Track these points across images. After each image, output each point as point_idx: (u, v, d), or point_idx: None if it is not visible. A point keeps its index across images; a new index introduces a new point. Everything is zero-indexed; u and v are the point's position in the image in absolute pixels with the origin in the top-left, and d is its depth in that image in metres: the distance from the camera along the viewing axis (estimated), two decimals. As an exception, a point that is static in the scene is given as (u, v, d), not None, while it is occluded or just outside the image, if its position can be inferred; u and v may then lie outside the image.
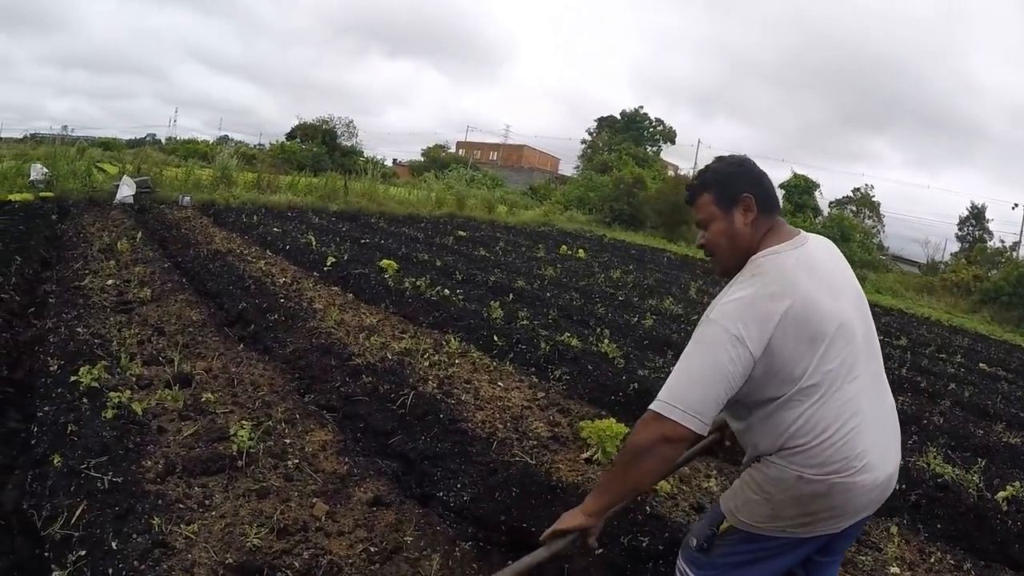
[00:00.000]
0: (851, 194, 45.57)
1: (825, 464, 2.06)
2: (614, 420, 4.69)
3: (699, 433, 2.03)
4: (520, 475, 3.98)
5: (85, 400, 4.13)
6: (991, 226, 44.19)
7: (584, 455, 4.49)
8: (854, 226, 33.62)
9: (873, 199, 45.13)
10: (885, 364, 6.71)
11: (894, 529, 4.12)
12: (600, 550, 3.29)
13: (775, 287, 2.09)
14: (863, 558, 3.78)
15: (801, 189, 33.32)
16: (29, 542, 3.01)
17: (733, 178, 2.31)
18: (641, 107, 57.48)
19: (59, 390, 4.33)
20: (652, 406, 2.07)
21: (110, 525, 2.98)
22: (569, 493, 3.84)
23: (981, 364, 11.53)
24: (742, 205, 2.27)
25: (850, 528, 2.23)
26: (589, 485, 3.97)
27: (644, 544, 3.39)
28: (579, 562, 3.27)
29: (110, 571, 2.73)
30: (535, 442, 4.58)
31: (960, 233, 45.41)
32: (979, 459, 5.34)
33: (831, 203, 42.93)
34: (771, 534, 2.18)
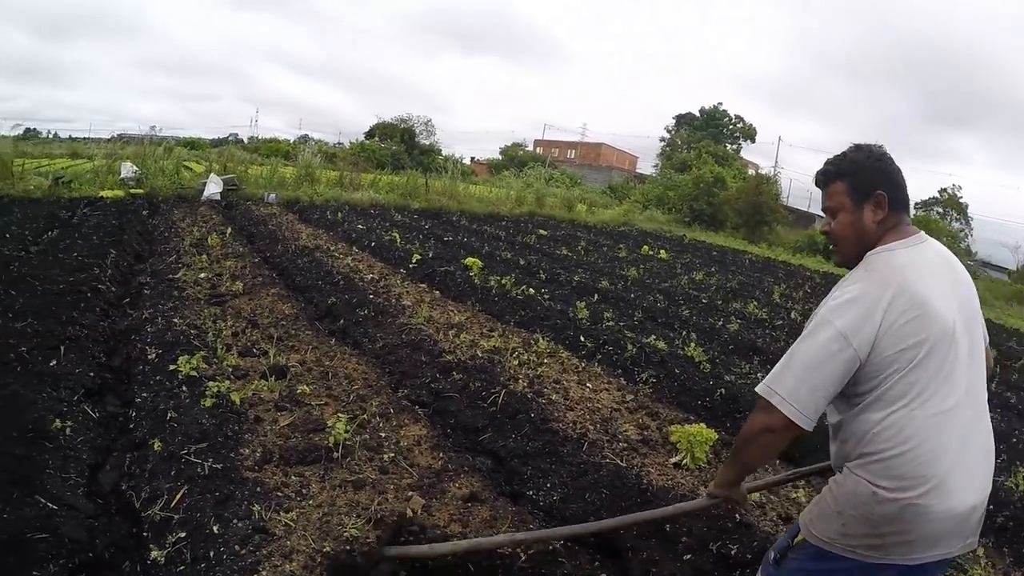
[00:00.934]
0: (937, 195, 44.18)
1: (901, 478, 2.00)
2: (704, 425, 4.60)
3: (801, 426, 2.03)
4: (610, 477, 3.94)
5: (184, 388, 4.20)
6: None
7: (673, 460, 4.40)
8: (941, 229, 32.42)
9: (961, 200, 43.72)
10: None
11: (981, 551, 3.89)
12: (688, 552, 3.33)
13: (883, 284, 2.06)
14: None
15: None
16: (127, 521, 3.07)
17: (870, 172, 2.25)
18: (720, 104, 56.32)
19: (157, 378, 4.42)
20: (758, 389, 2.12)
21: (210, 510, 3.00)
22: (659, 497, 3.80)
23: None
24: (874, 201, 2.21)
25: (929, 567, 2.11)
26: (679, 490, 3.93)
27: (732, 551, 3.34)
28: (666, 567, 3.24)
29: (211, 554, 2.76)
30: (625, 445, 4.49)
31: None
32: None
33: (916, 204, 41.56)
34: (840, 553, 2.11)
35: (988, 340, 2.36)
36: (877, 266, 2.14)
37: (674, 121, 56.54)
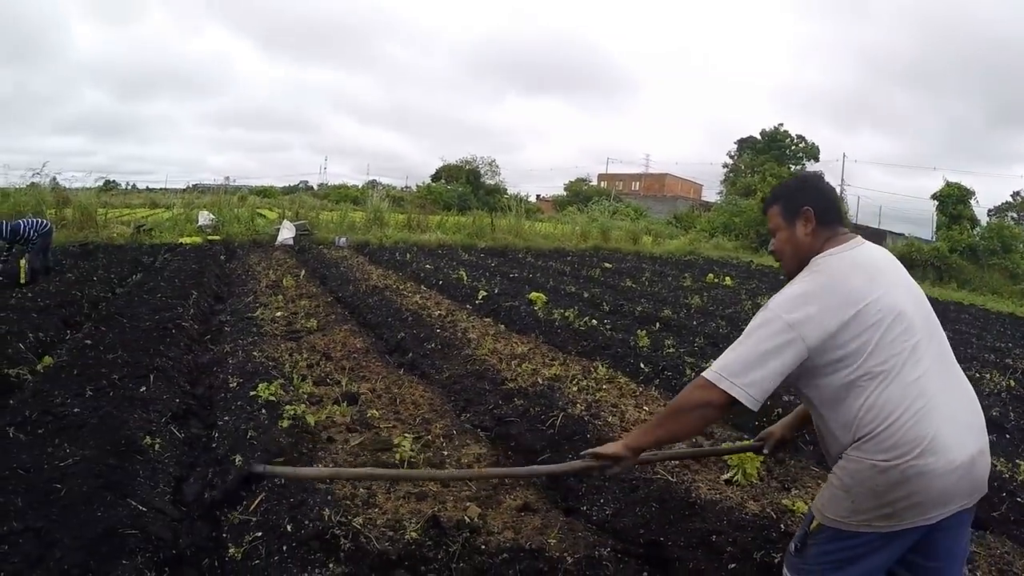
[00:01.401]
0: (1011, 199, 42.94)
1: (895, 448, 2.13)
2: (748, 439, 4.69)
3: (745, 404, 2.22)
4: (660, 492, 4.09)
5: (263, 411, 4.54)
6: None
7: (724, 476, 4.49)
8: (1015, 235, 31.23)
9: (1035, 203, 42.40)
10: None
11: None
12: (732, 561, 3.42)
13: (829, 281, 2.28)
14: None
15: (955, 199, 31.14)
16: (208, 525, 3.39)
17: (797, 193, 2.54)
18: (781, 125, 55.75)
19: (238, 403, 4.78)
20: (705, 374, 2.30)
21: (285, 513, 3.30)
22: (707, 510, 3.92)
23: None
24: (803, 217, 2.47)
25: (949, 523, 2.21)
26: (728, 503, 4.04)
27: (775, 560, 3.41)
28: None
29: (284, 548, 3.05)
30: (677, 463, 4.60)
31: None
32: None
33: (989, 211, 40.32)
34: (856, 529, 2.22)
35: None
36: (820, 267, 2.36)
37: (736, 146, 56.24)
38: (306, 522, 3.23)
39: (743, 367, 2.25)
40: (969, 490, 2.22)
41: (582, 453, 2.70)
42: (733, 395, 2.22)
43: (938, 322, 2.42)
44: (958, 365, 2.40)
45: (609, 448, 2.60)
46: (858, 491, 2.20)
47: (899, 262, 2.52)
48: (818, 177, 2.72)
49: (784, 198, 2.56)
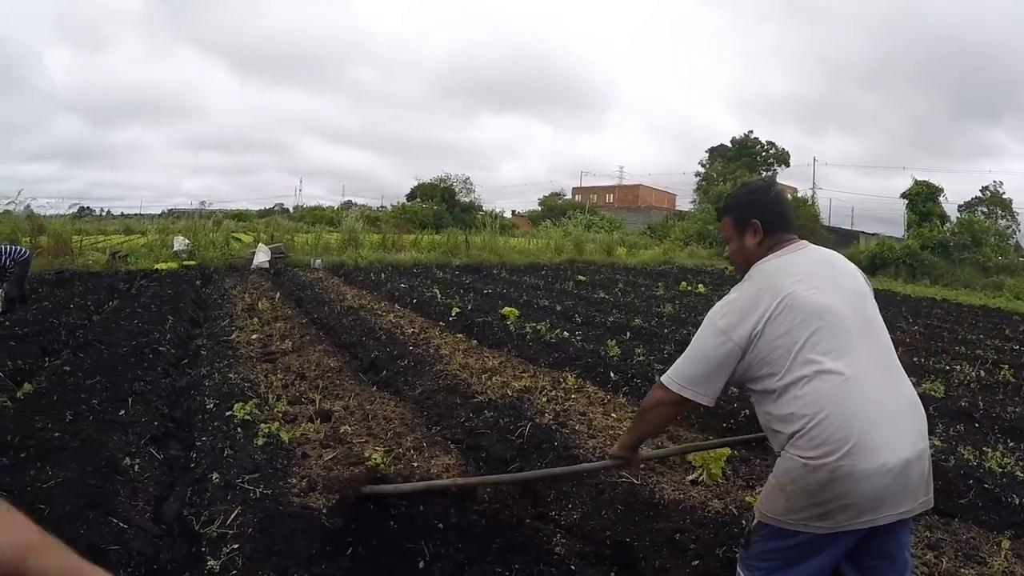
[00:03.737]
0: (980, 194, 43.29)
1: (823, 445, 2.19)
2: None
3: (696, 401, 2.46)
4: (625, 494, 4.24)
5: (239, 430, 4.69)
6: None
7: (690, 477, 4.62)
8: (985, 229, 31.67)
9: (1004, 196, 42.74)
10: (1019, 375, 6.82)
11: (1006, 543, 3.92)
12: (696, 558, 3.56)
13: (758, 288, 2.43)
14: (967, 572, 3.67)
15: (924, 196, 31.63)
16: (187, 541, 3.51)
17: (747, 206, 2.68)
18: (751, 132, 55.76)
19: (215, 423, 4.92)
20: (660, 377, 2.57)
21: (259, 524, 3.45)
22: (671, 510, 4.08)
23: None
24: (751, 229, 2.62)
25: (895, 526, 2.26)
26: (691, 502, 4.20)
27: (737, 556, 3.54)
28: (677, 573, 3.52)
29: (260, 560, 3.21)
30: (643, 466, 4.68)
31: None
32: None
33: (960, 207, 40.64)
34: (792, 528, 2.28)
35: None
36: (754, 275, 2.53)
37: (707, 155, 56.38)
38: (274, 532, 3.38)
39: (688, 370, 2.46)
40: (909, 497, 2.25)
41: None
42: (682, 395, 2.46)
43: (882, 324, 2.52)
44: (901, 368, 2.46)
45: (613, 450, 3.03)
46: (792, 489, 2.27)
47: (844, 264, 2.64)
48: (767, 187, 2.84)
49: (735, 210, 2.70)
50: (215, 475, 3.96)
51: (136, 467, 4.14)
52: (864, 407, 2.22)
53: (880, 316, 2.54)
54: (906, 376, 2.45)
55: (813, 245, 2.65)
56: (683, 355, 2.52)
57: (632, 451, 2.93)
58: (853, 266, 2.66)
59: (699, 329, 2.52)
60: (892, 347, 2.48)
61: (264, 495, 3.71)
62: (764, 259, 2.56)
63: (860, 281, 2.61)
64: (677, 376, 2.48)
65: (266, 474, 3.97)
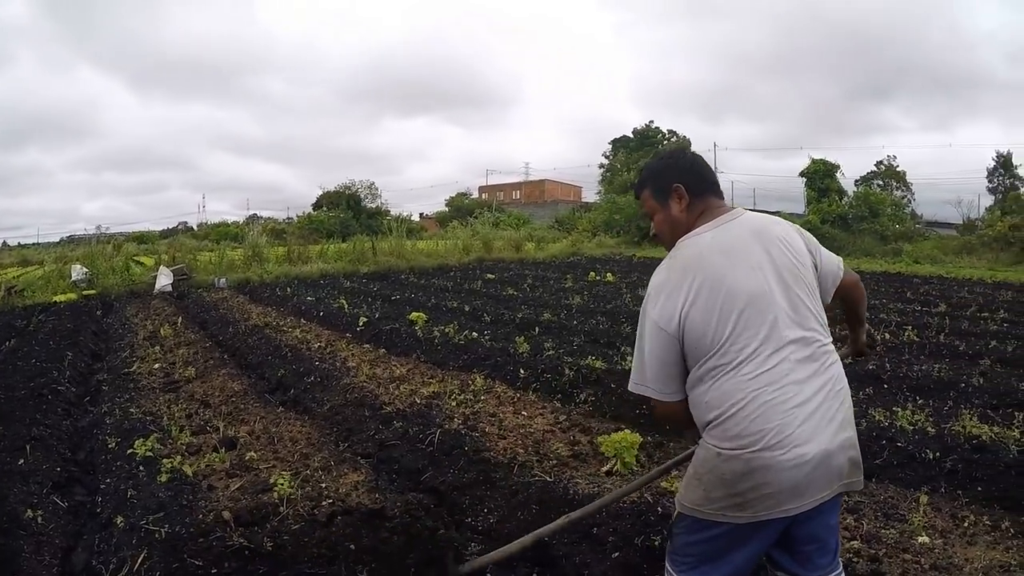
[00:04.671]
0: (875, 168, 45.06)
1: (738, 437, 2.13)
2: (629, 431, 4.84)
3: (668, 400, 2.33)
4: (539, 493, 4.26)
5: (142, 468, 4.59)
6: (1021, 171, 43.01)
7: (604, 468, 4.65)
8: (881, 200, 33.16)
9: (898, 169, 44.55)
10: (922, 335, 7.07)
11: (923, 498, 4.05)
12: (615, 550, 3.61)
13: (682, 269, 2.28)
14: (888, 532, 3.73)
15: (822, 174, 32.98)
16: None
17: (664, 172, 2.51)
18: (652, 122, 57.15)
19: (118, 463, 4.81)
20: (630, 387, 2.43)
21: (164, 568, 3.37)
22: (586, 504, 4.04)
23: None
24: (675, 195, 2.44)
25: (823, 509, 2.22)
26: (604, 494, 4.11)
27: (656, 543, 3.51)
28: (598, 567, 3.55)
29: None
30: (555, 462, 4.79)
31: (991, 185, 44.34)
32: (1020, 413, 5.33)
33: (856, 181, 42.19)
34: (712, 518, 2.22)
35: (843, 272, 2.56)
36: (678, 253, 2.36)
37: (610, 146, 57.08)
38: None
39: (650, 373, 2.32)
40: (827, 482, 2.20)
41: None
42: (664, 400, 2.33)
43: (815, 303, 2.35)
44: (830, 351, 2.33)
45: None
46: (708, 479, 2.20)
47: (780, 232, 2.41)
48: (683, 151, 2.74)
49: (653, 179, 2.53)
50: (119, 519, 3.88)
51: (39, 519, 4.00)
52: (783, 399, 2.13)
53: (816, 290, 2.39)
54: (836, 359, 2.34)
55: (748, 212, 2.48)
56: (637, 357, 2.39)
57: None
58: (791, 230, 2.47)
59: (639, 323, 2.39)
60: (824, 327, 2.34)
61: (169, 534, 3.64)
62: (694, 232, 2.39)
63: (795, 253, 2.38)
64: (647, 381, 2.35)
65: (171, 512, 3.89)
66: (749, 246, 2.31)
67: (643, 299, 2.39)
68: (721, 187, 2.55)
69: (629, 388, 2.42)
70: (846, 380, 2.35)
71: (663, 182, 2.49)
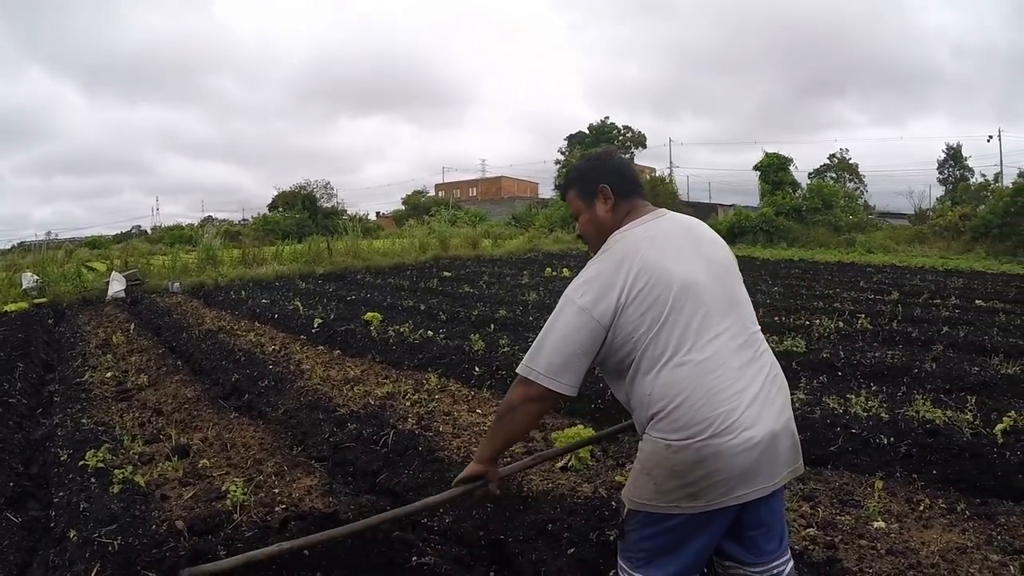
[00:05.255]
0: (828, 161, 45.95)
1: (687, 427, 2.14)
2: (582, 426, 4.93)
3: (563, 393, 2.29)
4: None
5: (93, 480, 4.56)
6: (970, 163, 44.71)
7: (559, 464, 4.65)
8: (834, 192, 33.96)
9: (850, 162, 45.51)
10: (875, 322, 7.27)
11: (879, 484, 4.09)
12: (570, 546, 3.64)
13: (618, 260, 2.28)
14: (844, 518, 3.79)
15: (775, 167, 33.60)
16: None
17: (590, 172, 2.56)
18: (607, 118, 57.68)
19: (70, 476, 4.77)
20: (519, 369, 2.37)
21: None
22: (540, 501, 4.15)
23: (977, 301, 11.67)
24: (601, 195, 2.48)
25: (764, 497, 2.25)
26: (560, 490, 4.24)
27: (612, 538, 3.47)
28: (554, 563, 3.57)
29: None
30: (509, 459, 4.68)
31: (941, 176, 46.00)
32: (972, 396, 5.51)
33: (810, 173, 43.03)
34: (665, 511, 2.22)
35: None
36: (612, 246, 2.36)
37: (566, 142, 57.44)
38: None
39: (549, 357, 2.27)
40: (780, 467, 2.26)
41: (453, 482, 2.77)
42: (548, 387, 2.26)
43: (744, 295, 2.44)
44: (762, 339, 2.41)
45: (468, 470, 2.67)
46: (658, 472, 2.21)
47: (707, 232, 2.51)
48: (609, 153, 2.72)
49: (579, 180, 2.56)
50: (72, 533, 3.87)
51: (-7, 535, 3.97)
52: (727, 385, 2.17)
53: (742, 284, 2.48)
54: (767, 347, 2.42)
55: (673, 212, 2.54)
56: (539, 341, 2.35)
57: (491, 464, 2.65)
58: (715, 234, 2.55)
59: (555, 311, 2.35)
60: (754, 317, 2.43)
61: (123, 546, 3.64)
62: (622, 228, 2.43)
63: (723, 250, 2.50)
64: (538, 365, 2.29)
65: (123, 524, 3.87)
66: (680, 239, 2.37)
67: (566, 290, 2.38)
68: (676, 183, 2.64)
69: (518, 370, 2.38)
70: (779, 365, 2.42)
71: (588, 183, 2.53)
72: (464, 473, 2.70)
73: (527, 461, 3.35)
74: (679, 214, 2.54)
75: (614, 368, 2.34)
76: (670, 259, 2.27)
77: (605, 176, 2.51)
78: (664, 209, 2.52)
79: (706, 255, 2.37)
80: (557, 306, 2.36)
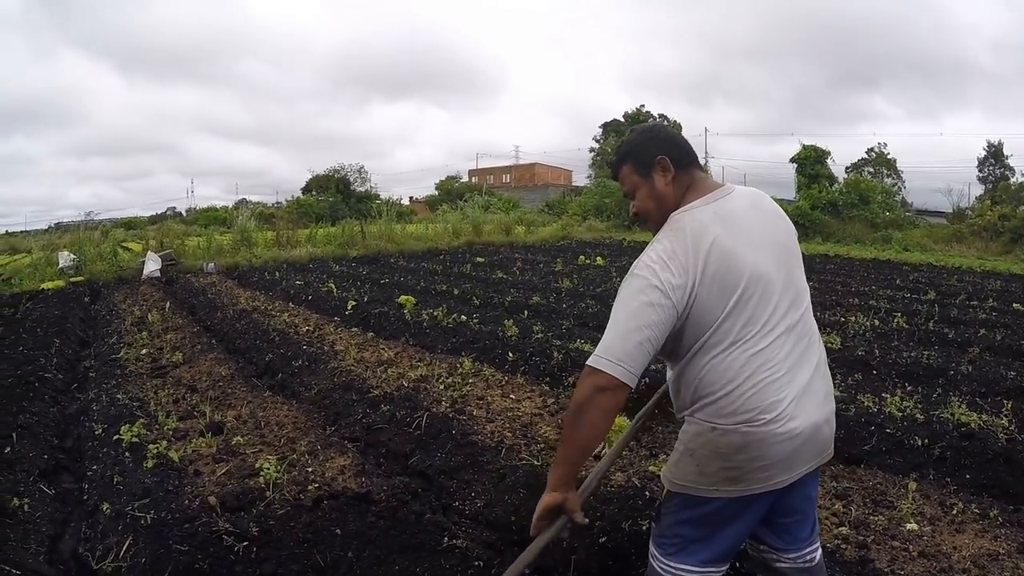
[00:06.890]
0: (866, 155, 45.34)
1: (735, 414, 2.12)
2: (618, 415, 4.91)
3: (626, 382, 2.08)
4: (527, 477, 4.23)
5: (128, 454, 4.59)
6: (1011, 162, 43.67)
7: (593, 452, 4.67)
8: (872, 187, 33.35)
9: (888, 156, 44.85)
10: (911, 322, 7.10)
11: (912, 485, 4.07)
12: (603, 535, 3.59)
13: (691, 241, 2.16)
14: (876, 518, 3.75)
15: (812, 160, 33.17)
16: (84, 578, 3.45)
17: (645, 145, 2.39)
18: (642, 106, 57.23)
19: (104, 450, 4.80)
20: (588, 361, 2.15)
21: (151, 554, 3.37)
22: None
23: (1015, 305, 11.32)
24: (659, 167, 2.34)
25: (805, 481, 2.28)
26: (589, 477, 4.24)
27: (644, 528, 3.49)
28: (584, 553, 3.52)
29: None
30: (543, 445, 4.78)
31: (981, 175, 45.04)
32: (1008, 402, 5.36)
33: (847, 168, 42.39)
34: (705, 494, 2.21)
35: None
36: (682, 224, 2.22)
37: (601, 130, 57.18)
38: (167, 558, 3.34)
39: (616, 344, 2.11)
40: (817, 454, 2.26)
41: (531, 532, 2.37)
42: (618, 376, 2.07)
43: (803, 279, 2.36)
44: (814, 326, 2.35)
45: (543, 502, 2.29)
46: (701, 453, 2.19)
47: (770, 207, 2.41)
48: (661, 125, 2.62)
49: (634, 154, 2.41)
50: (106, 505, 3.88)
51: (26, 507, 3.98)
52: (779, 376, 2.14)
53: (802, 266, 2.39)
54: (818, 334, 2.36)
55: (738, 187, 2.41)
56: (610, 326, 2.16)
57: (566, 489, 2.27)
58: (777, 207, 2.43)
59: (624, 292, 2.19)
60: (809, 303, 2.34)
61: (155, 520, 3.64)
62: (689, 206, 2.29)
63: (785, 227, 2.40)
64: (609, 352, 2.11)
65: (156, 498, 3.89)
66: (750, 222, 2.28)
67: (633, 269, 2.23)
68: (712, 173, 2.52)
69: (591, 363, 2.13)
70: (825, 352, 2.39)
71: (645, 154, 2.37)
72: (540, 509, 2.31)
73: (599, 467, 2.89)
74: (743, 188, 2.43)
75: (670, 350, 2.26)
76: (742, 245, 2.19)
77: (663, 147, 2.36)
78: (730, 184, 2.40)
79: (772, 239, 2.30)
80: (625, 287, 2.21)
